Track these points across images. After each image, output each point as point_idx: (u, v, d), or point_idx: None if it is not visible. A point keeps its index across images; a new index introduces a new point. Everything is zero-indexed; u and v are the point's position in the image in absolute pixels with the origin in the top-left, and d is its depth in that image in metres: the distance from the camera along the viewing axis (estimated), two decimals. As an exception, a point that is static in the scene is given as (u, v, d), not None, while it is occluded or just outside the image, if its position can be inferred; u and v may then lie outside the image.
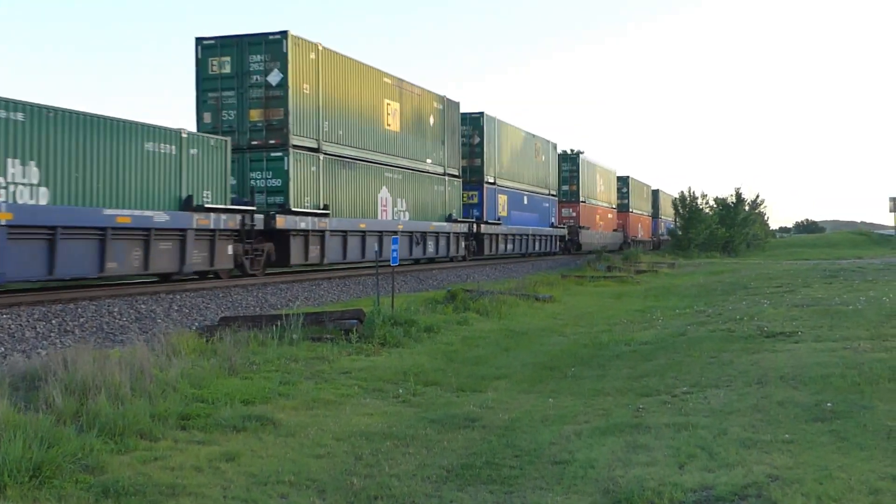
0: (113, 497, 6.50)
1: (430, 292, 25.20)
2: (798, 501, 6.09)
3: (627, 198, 75.70)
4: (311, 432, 8.63)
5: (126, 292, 18.45)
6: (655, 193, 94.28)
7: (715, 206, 74.79)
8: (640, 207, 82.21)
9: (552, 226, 51.62)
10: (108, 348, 12.98)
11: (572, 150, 59.92)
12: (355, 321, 15.23)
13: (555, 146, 53.79)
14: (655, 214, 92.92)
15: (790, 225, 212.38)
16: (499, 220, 41.61)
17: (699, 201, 73.12)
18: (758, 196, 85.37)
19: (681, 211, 72.94)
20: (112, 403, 8.71)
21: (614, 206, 69.81)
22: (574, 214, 56.62)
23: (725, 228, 72.06)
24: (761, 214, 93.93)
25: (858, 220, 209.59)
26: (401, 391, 10.93)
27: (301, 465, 7.45)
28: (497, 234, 41.42)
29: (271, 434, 8.56)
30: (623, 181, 75.24)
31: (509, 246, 43.48)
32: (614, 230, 68.24)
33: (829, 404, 8.94)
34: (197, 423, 8.80)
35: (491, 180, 41.14)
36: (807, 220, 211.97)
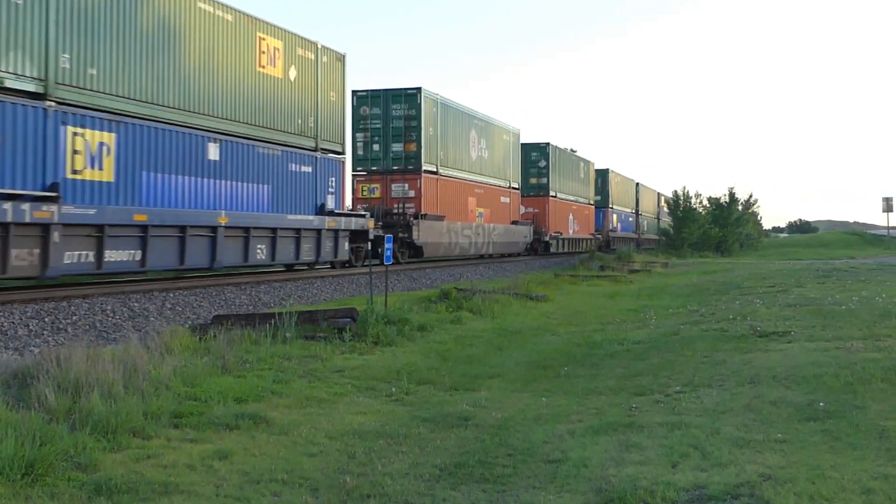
0: (105, 495, 6.48)
1: (423, 291, 25.21)
2: (791, 501, 6.10)
3: (546, 176, 53.25)
4: (304, 431, 8.62)
5: (119, 290, 18.43)
6: (603, 175, 71.47)
7: (708, 205, 74.97)
8: (572, 191, 59.58)
9: (323, 212, 27.47)
10: (101, 346, 12.95)
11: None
12: (349, 320, 15.23)
13: (341, 58, 29.88)
14: (603, 203, 70.59)
15: (783, 225, 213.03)
16: (53, 187, 17.32)
17: (693, 201, 73.29)
18: (751, 196, 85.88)
19: (674, 210, 73.01)
20: (105, 401, 8.69)
21: (515, 187, 48.64)
22: (412, 195, 35.10)
23: (719, 228, 72.25)
24: (754, 214, 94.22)
25: (851, 220, 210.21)
26: (394, 390, 10.92)
27: (294, 464, 7.45)
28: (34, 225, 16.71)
29: (264, 432, 8.55)
30: (538, 151, 53.51)
31: (116, 254, 18.81)
32: (514, 223, 47.78)
33: (821, 404, 8.96)
34: (190, 422, 8.78)
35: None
36: (800, 219, 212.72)
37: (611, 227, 70.89)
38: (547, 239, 52.90)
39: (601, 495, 6.47)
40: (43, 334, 14.41)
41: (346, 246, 28.75)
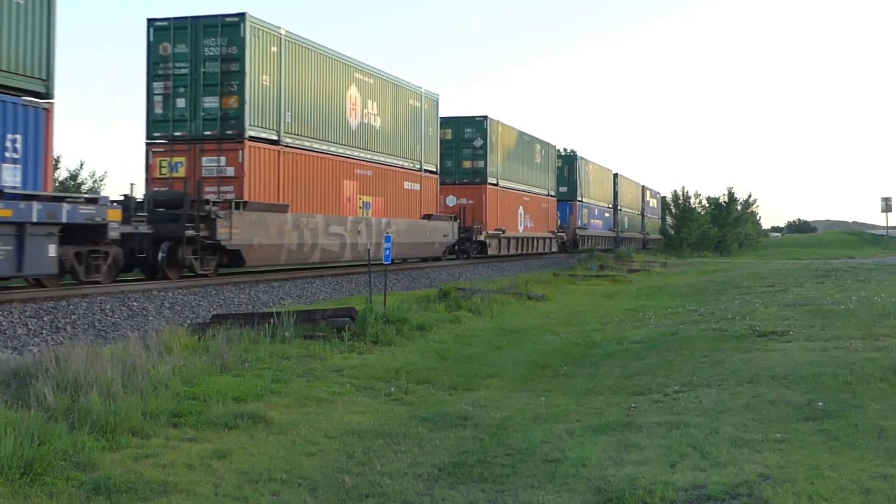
0: (104, 494, 6.48)
1: (422, 290, 25.21)
2: (789, 501, 6.10)
3: (484, 159, 41.75)
4: (303, 430, 8.62)
5: (118, 290, 18.42)
6: (570, 161, 59.38)
7: (707, 205, 75.07)
8: (525, 180, 48.25)
9: None
10: (100, 345, 12.95)
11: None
12: (347, 319, 15.22)
13: None
14: (570, 196, 59.28)
15: (782, 224, 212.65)
16: None
17: (692, 201, 73.39)
18: (750, 195, 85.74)
19: (664, 209, 72.99)
20: (104, 401, 8.69)
21: (432, 170, 37.07)
22: (231, 172, 24.00)
23: (717, 228, 72.34)
24: (753, 214, 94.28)
25: (850, 220, 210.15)
26: (393, 389, 10.92)
27: (293, 463, 7.44)
28: None
29: (263, 432, 8.55)
30: (473, 127, 42.03)
31: None
32: (427, 217, 36.04)
33: (820, 403, 8.97)
34: (189, 421, 8.78)
35: None
36: (799, 219, 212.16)
37: (579, 224, 58.85)
38: (482, 238, 41.02)
39: (600, 495, 6.47)
40: (42, 333, 14.41)
41: (50, 251, 16.86)
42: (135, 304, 17.49)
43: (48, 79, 17.53)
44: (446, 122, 41.00)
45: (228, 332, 13.59)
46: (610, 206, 71.43)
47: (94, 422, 8.13)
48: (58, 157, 39.40)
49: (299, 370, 11.87)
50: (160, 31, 24.59)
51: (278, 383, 10.81)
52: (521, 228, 47.11)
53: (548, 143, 52.88)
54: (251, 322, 14.68)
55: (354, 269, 28.79)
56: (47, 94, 17.55)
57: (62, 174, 41.03)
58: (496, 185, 43.09)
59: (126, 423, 8.27)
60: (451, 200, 41.16)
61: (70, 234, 17.86)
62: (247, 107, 23.99)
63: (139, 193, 22.70)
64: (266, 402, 9.83)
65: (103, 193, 25.59)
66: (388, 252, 19.33)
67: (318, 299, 22.41)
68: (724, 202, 75.92)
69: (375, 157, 31.76)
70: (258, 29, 24.58)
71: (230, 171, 23.97)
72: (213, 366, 11.48)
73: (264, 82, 24.87)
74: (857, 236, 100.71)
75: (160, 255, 21.76)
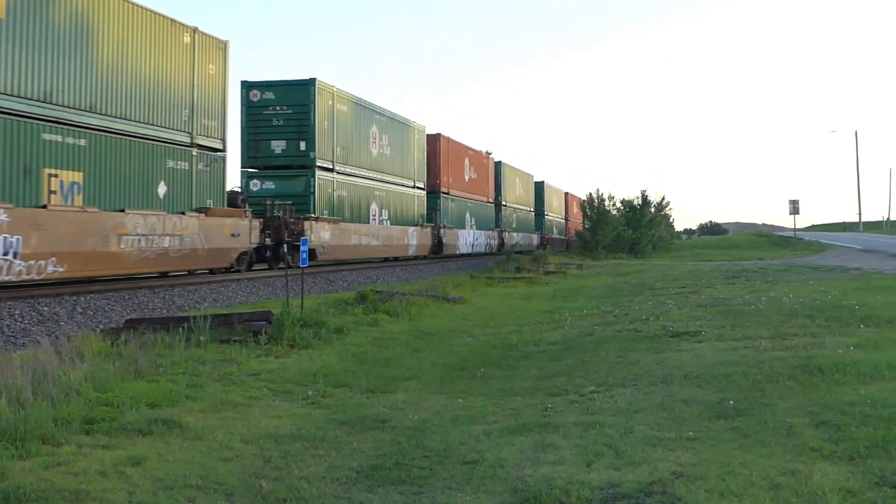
0: (14, 503, 6.34)
1: (340, 293, 25.09)
2: (701, 497, 6.22)
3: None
4: (219, 435, 8.53)
5: (28, 294, 17.98)
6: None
7: (622, 207, 75.93)
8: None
9: None
10: (9, 351, 12.64)
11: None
12: (264, 322, 15.09)
13: None
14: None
15: (694, 227, 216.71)
16: None
17: (606, 203, 74.15)
18: (663, 198, 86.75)
19: (588, 212, 73.82)
20: (13, 408, 8.49)
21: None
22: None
23: (632, 230, 73.20)
24: (667, 216, 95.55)
25: (759, 222, 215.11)
26: (310, 393, 10.86)
27: (208, 469, 7.36)
28: None
29: (178, 437, 8.43)
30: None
31: None
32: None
33: (731, 402, 9.14)
34: (101, 428, 8.62)
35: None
36: (710, 221, 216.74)
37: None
38: None
39: (517, 495, 6.51)
40: (-53, 340, 14.00)
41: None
42: (45, 308, 17.09)
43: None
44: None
45: (142, 336, 13.39)
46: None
47: (2, 430, 7.95)
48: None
49: (215, 374, 11.73)
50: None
51: (194, 388, 10.67)
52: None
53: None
54: (166, 327, 14.47)
55: (271, 273, 28.54)
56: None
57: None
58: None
59: (36, 430, 8.09)
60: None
61: None
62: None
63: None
64: (181, 408, 9.70)
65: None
66: (304, 255, 19.20)
67: (234, 303, 22.16)
68: (638, 205, 76.84)
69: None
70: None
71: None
72: (126, 371, 11.28)
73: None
74: (765, 238, 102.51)
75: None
